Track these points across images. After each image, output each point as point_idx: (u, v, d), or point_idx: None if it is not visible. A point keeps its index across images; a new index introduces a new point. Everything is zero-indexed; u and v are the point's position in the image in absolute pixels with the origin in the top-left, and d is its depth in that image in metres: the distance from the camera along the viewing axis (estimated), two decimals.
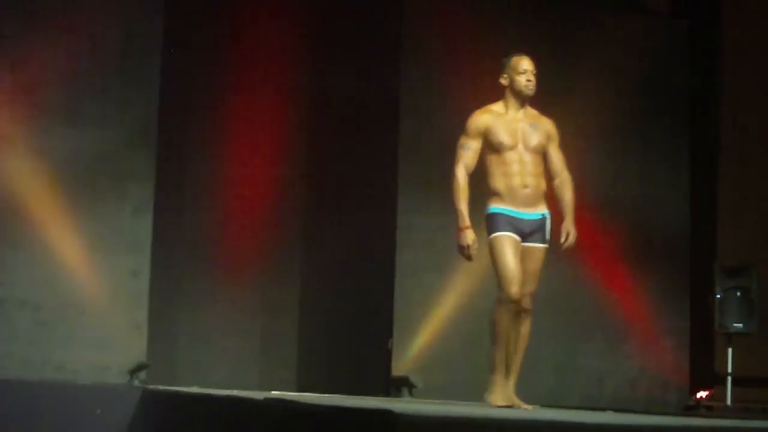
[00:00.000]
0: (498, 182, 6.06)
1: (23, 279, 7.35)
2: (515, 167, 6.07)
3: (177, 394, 6.09)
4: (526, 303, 6.01)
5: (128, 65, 7.62)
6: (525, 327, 6.06)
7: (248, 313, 8.46)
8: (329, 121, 8.61)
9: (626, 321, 8.63)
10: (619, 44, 8.67)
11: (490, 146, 6.05)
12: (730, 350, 8.15)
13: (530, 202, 6.04)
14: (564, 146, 8.35)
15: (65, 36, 7.48)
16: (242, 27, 8.25)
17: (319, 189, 8.63)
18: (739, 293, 8.13)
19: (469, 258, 5.99)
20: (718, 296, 8.20)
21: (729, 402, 8.10)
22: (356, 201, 8.51)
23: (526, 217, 6.05)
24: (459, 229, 5.94)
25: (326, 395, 6.59)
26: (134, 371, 7.48)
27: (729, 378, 8.10)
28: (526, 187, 6.04)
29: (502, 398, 5.85)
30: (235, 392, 5.76)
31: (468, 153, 6.09)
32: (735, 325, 8.12)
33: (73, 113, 7.50)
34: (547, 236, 6.12)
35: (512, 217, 6.01)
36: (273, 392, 6.65)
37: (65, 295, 7.39)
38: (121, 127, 7.60)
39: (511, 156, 6.08)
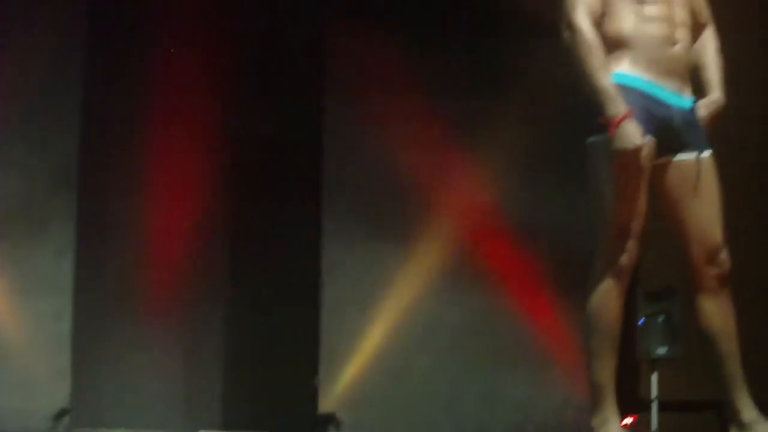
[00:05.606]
0: (625, 27, 3.80)
1: None
2: (658, 9, 3.83)
3: None
4: (722, 263, 3.84)
5: (47, 105, 7.54)
6: (725, 313, 3.87)
7: (172, 353, 8.37)
8: (251, 160, 8.58)
9: (550, 349, 8.67)
10: (539, 73, 8.76)
11: None
12: (654, 375, 8.22)
13: (679, 73, 3.82)
14: (485, 174, 8.47)
15: None
16: (165, 67, 8.19)
17: (242, 228, 8.59)
18: (662, 318, 8.20)
19: (637, 172, 3.64)
20: (641, 321, 8.27)
21: (655, 427, 8.16)
22: (280, 239, 8.48)
23: (673, 102, 3.83)
24: (608, 119, 3.66)
25: None
26: (58, 416, 7.37)
27: (654, 403, 8.16)
28: (674, 43, 3.82)
29: None
30: None
31: None
32: (659, 350, 8.18)
33: None
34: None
35: (649, 97, 3.78)
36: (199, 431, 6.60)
37: None
38: (41, 168, 7.51)
39: None
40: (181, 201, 8.38)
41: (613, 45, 3.83)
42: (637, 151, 3.68)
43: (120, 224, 8.27)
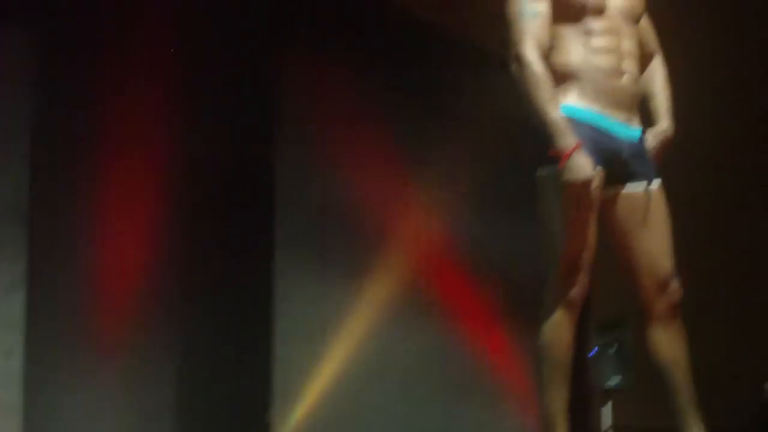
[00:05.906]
0: (573, 59, 3.79)
1: None
2: (605, 41, 3.81)
3: None
4: (672, 293, 3.88)
5: None
6: (677, 342, 3.88)
7: (126, 389, 8.28)
8: (202, 191, 8.54)
9: (503, 379, 8.69)
10: (490, 105, 8.79)
11: (563, 10, 3.79)
12: (608, 405, 8.26)
13: (627, 104, 3.83)
14: (438, 207, 8.50)
15: None
16: (117, 100, 8.15)
17: (195, 257, 8.54)
18: (614, 348, 8.24)
19: (586, 204, 3.65)
20: (594, 351, 8.31)
21: None
22: (232, 269, 8.44)
23: (621, 133, 3.84)
24: (558, 151, 3.67)
25: None
26: None
27: None
28: (622, 74, 3.82)
29: None
30: None
31: (536, 22, 3.75)
32: (612, 379, 8.23)
33: None
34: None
35: (597, 129, 3.79)
36: None
37: None
38: None
39: (597, 24, 3.81)
40: (134, 235, 8.32)
41: (561, 77, 3.82)
42: (587, 183, 3.68)
43: (73, 259, 8.21)
